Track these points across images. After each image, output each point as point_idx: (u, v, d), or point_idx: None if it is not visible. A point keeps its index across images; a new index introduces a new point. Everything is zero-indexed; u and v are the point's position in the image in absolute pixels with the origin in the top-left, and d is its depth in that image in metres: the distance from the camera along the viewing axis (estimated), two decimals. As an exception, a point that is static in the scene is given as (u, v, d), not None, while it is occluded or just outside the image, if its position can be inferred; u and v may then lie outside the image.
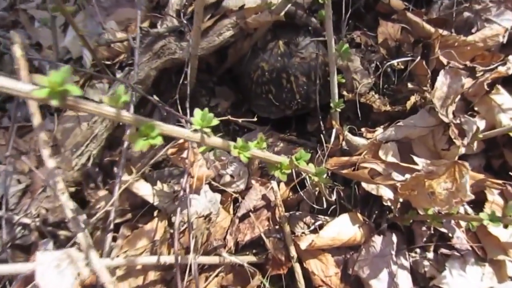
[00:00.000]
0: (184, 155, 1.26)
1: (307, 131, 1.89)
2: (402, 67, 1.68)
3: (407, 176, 1.40)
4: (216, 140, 0.81)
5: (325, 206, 1.40)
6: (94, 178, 1.64)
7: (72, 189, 1.46)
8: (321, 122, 1.69)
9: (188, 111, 1.90)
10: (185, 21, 1.63)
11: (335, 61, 1.41)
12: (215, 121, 0.78)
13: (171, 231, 1.26)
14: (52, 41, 1.87)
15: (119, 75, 1.59)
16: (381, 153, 1.43)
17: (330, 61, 1.40)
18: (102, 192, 1.40)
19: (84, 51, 1.83)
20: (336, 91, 1.45)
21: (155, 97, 1.29)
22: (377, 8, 1.91)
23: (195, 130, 0.77)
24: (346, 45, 1.35)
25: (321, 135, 1.52)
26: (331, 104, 1.45)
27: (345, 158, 1.42)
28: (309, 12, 1.82)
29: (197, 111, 0.78)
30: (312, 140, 1.84)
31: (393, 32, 1.65)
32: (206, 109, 0.78)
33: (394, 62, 1.62)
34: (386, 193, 1.38)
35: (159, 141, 0.67)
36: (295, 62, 1.71)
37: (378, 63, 1.65)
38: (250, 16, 1.64)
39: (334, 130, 1.42)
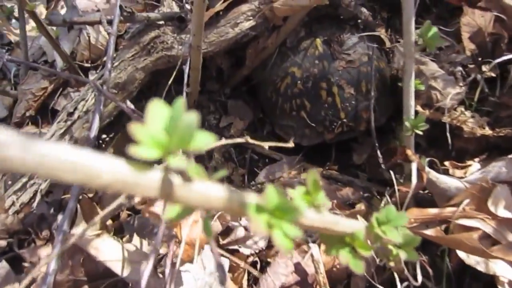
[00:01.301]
0: (157, 207, 0.74)
1: (352, 163, 1.35)
2: (493, 74, 1.15)
3: (538, 243, 0.84)
4: (207, 192, 0.28)
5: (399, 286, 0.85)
6: (50, 222, 1.13)
7: (3, 243, 0.94)
8: (378, 152, 1.16)
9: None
10: (188, 5, 1.15)
11: (412, 57, 0.89)
12: (210, 140, 0.26)
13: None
14: (20, 37, 1.41)
15: (92, 77, 1.11)
16: (489, 203, 0.88)
17: (406, 55, 0.88)
18: (43, 251, 0.89)
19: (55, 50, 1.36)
20: (413, 103, 0.93)
21: (129, 104, 0.79)
22: (448, -1, 1.40)
23: (146, 165, 0.25)
24: (435, 29, 0.84)
25: (390, 173, 0.99)
26: (406, 124, 0.92)
27: (433, 211, 0.88)
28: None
29: (154, 104, 0.26)
30: (360, 176, 1.29)
31: (483, 23, 1.13)
32: (180, 104, 0.26)
33: (487, 67, 1.09)
34: (504, 272, 0.82)
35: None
36: (339, 67, 1.21)
37: (461, 68, 1.12)
38: (279, 0, 1.15)
39: (413, 166, 0.88)
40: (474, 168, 1.03)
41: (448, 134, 1.01)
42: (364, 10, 1.29)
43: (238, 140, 0.72)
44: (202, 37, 0.95)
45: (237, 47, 1.30)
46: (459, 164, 1.05)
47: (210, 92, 1.45)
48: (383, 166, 1.14)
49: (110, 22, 0.99)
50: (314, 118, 1.27)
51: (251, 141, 0.72)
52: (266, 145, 0.73)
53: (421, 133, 0.94)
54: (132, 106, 0.79)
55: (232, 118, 1.44)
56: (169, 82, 0.98)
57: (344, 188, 1.17)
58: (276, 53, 1.32)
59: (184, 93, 0.97)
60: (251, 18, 1.17)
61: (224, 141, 0.70)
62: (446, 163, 1.06)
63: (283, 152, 1.43)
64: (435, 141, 1.16)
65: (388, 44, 1.32)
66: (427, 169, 0.97)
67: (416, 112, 1.06)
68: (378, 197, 1.22)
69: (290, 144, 0.78)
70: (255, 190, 1.32)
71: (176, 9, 1.21)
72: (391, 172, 0.99)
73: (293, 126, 1.33)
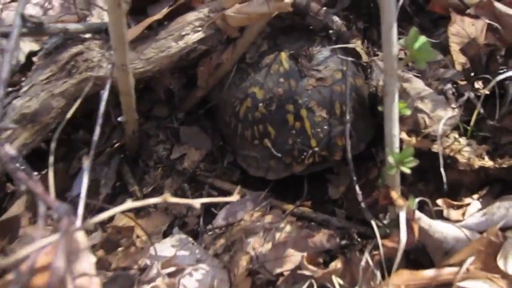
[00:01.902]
0: None
1: (328, 198, 1.15)
2: (487, 92, 0.96)
3: None
4: None
5: None
6: None
7: None
8: (356, 187, 0.95)
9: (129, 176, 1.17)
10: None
11: (394, 74, 0.70)
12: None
13: None
14: None
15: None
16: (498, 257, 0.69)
17: (387, 72, 0.69)
18: None
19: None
20: (397, 132, 0.73)
21: (8, 149, 0.55)
22: (431, 7, 1.23)
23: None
24: (423, 38, 0.65)
25: (373, 222, 0.79)
26: (389, 159, 0.71)
27: (428, 274, 0.67)
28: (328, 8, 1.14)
29: None
30: (338, 214, 1.09)
31: (474, 32, 0.96)
32: None
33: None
34: None
35: None
36: (308, 86, 1.03)
37: (451, 86, 0.94)
38: (232, 7, 0.95)
39: (401, 216, 0.68)
40: (473, 208, 0.84)
41: (441, 168, 0.81)
42: (336, 19, 1.10)
43: (151, 201, 0.49)
44: (127, 53, 0.73)
45: (188, 65, 1.09)
46: (455, 203, 0.85)
47: (158, 118, 1.23)
48: (362, 205, 0.93)
49: (6, 35, 0.76)
50: (280, 147, 1.06)
51: (171, 200, 0.49)
52: (196, 203, 0.51)
53: (408, 171, 0.73)
54: (12, 152, 0.56)
55: (186, 148, 1.22)
56: (69, 114, 0.74)
57: (318, 234, 0.96)
58: (234, 71, 1.11)
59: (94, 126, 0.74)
60: (199, 29, 0.97)
61: (112, 211, 0.47)
62: (439, 201, 0.86)
63: (247, 186, 1.21)
64: (423, 172, 0.96)
65: (365, 58, 1.13)
66: (417, 214, 0.76)
67: (401, 141, 0.85)
68: (359, 240, 1.01)
69: (233, 198, 0.55)
70: (212, 236, 1.09)
71: (107, 19, 0.99)
72: (373, 222, 0.79)
73: (257, 157, 1.12)
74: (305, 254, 0.87)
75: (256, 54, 1.10)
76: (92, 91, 0.94)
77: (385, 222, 0.95)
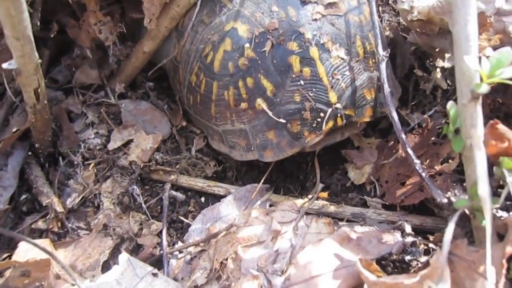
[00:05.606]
0: None
1: (351, 185, 0.79)
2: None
3: None
4: None
5: None
6: None
7: None
8: (410, 152, 0.60)
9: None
10: None
11: None
12: None
13: None
14: None
15: None
16: None
17: None
18: None
19: None
20: (475, 30, 0.46)
21: None
22: None
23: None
24: None
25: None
26: (471, 70, 0.40)
27: None
28: None
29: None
30: (371, 204, 0.73)
31: None
32: None
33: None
34: None
35: None
36: (316, 15, 0.69)
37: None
38: None
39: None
40: None
41: None
42: None
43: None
44: None
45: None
46: None
47: (84, 89, 0.80)
48: (426, 179, 0.57)
49: None
50: (283, 108, 0.68)
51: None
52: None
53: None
54: None
55: (131, 132, 0.81)
56: None
57: (365, 233, 0.58)
58: (199, 2, 0.73)
59: None
60: None
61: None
62: None
63: (228, 182, 0.81)
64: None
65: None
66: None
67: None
68: (416, 237, 0.65)
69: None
70: (185, 259, 0.67)
71: None
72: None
73: (245, 130, 0.73)
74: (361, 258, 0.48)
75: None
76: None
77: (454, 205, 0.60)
